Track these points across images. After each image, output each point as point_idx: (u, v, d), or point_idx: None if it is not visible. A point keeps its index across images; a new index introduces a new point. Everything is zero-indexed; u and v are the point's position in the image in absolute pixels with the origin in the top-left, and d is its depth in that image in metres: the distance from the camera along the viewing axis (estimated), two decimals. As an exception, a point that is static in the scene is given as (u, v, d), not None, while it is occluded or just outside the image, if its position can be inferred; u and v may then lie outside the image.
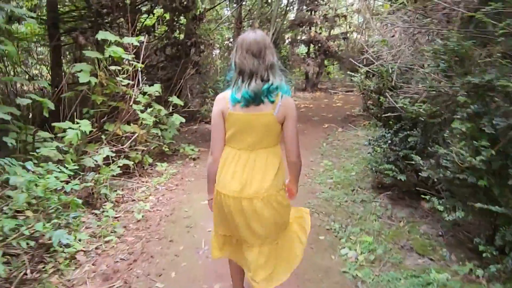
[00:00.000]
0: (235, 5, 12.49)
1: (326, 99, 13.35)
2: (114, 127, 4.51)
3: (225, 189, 1.94)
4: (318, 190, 4.66)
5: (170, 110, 5.65)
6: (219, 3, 10.71)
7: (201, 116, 9.11)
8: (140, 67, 4.63)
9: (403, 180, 3.78)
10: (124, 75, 4.45)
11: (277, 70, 1.91)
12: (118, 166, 4.07)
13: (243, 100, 1.85)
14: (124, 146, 4.55)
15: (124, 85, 4.39)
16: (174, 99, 5.58)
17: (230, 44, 13.09)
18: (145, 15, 8.20)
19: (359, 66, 4.61)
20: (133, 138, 4.71)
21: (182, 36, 9.18)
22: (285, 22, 14.43)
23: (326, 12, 14.98)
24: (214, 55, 10.59)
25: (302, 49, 16.32)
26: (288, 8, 14.37)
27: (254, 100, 1.85)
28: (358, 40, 16.82)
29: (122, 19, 6.63)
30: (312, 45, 15.09)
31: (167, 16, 8.14)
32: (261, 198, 1.90)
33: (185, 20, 8.97)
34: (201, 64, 9.28)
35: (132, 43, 4.42)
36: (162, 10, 8.44)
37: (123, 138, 4.63)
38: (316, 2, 14.33)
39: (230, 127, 1.94)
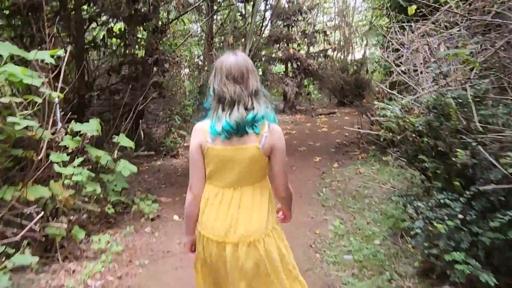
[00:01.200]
0: (205, 18, 10.99)
1: (308, 123, 11.95)
2: (14, 193, 2.81)
3: (208, 231, 1.72)
4: (335, 278, 3.11)
5: (116, 154, 3.99)
6: (186, 12, 9.18)
7: (165, 149, 7.46)
8: (58, 97, 2.96)
9: (492, 284, 2.28)
10: (31, 110, 2.77)
11: (261, 96, 1.71)
12: (10, 268, 2.37)
13: (224, 132, 1.61)
14: (35, 220, 2.84)
15: (27, 126, 2.70)
16: (122, 139, 3.93)
17: (200, 62, 11.54)
18: (93, 25, 6.56)
19: (395, 95, 3.14)
20: (38, 210, 3.01)
21: (142, 52, 7.58)
22: (261, 39, 13.07)
23: (304, 27, 13.78)
24: (182, 75, 8.99)
25: (279, 67, 15.00)
26: (265, 23, 13.02)
27: (237, 131, 1.62)
28: (338, 57, 15.73)
29: (56, 28, 4.97)
30: (290, 63, 13.79)
31: (121, 27, 6.51)
32: (247, 243, 1.66)
33: (145, 33, 7.39)
34: (165, 86, 7.67)
35: (43, 61, 2.76)
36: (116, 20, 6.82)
37: (31, 211, 2.92)
38: (293, 17, 13.09)
39: (209, 163, 1.71)
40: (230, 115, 1.60)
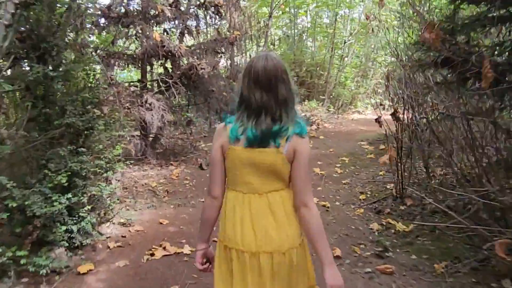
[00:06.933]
0: None
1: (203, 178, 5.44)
2: None
3: (238, 243, 1.57)
4: None
5: None
6: None
7: None
8: None
9: None
10: None
11: (292, 107, 1.56)
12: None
13: (246, 140, 1.52)
14: None
15: None
16: None
17: None
18: None
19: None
20: None
21: None
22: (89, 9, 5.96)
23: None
24: None
25: (129, 73, 8.07)
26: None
27: (260, 142, 1.52)
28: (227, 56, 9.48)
29: None
30: (150, 65, 7.08)
31: None
32: (284, 251, 1.55)
33: None
34: None
35: None
36: None
37: None
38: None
39: (231, 166, 1.59)
40: (255, 124, 1.52)
